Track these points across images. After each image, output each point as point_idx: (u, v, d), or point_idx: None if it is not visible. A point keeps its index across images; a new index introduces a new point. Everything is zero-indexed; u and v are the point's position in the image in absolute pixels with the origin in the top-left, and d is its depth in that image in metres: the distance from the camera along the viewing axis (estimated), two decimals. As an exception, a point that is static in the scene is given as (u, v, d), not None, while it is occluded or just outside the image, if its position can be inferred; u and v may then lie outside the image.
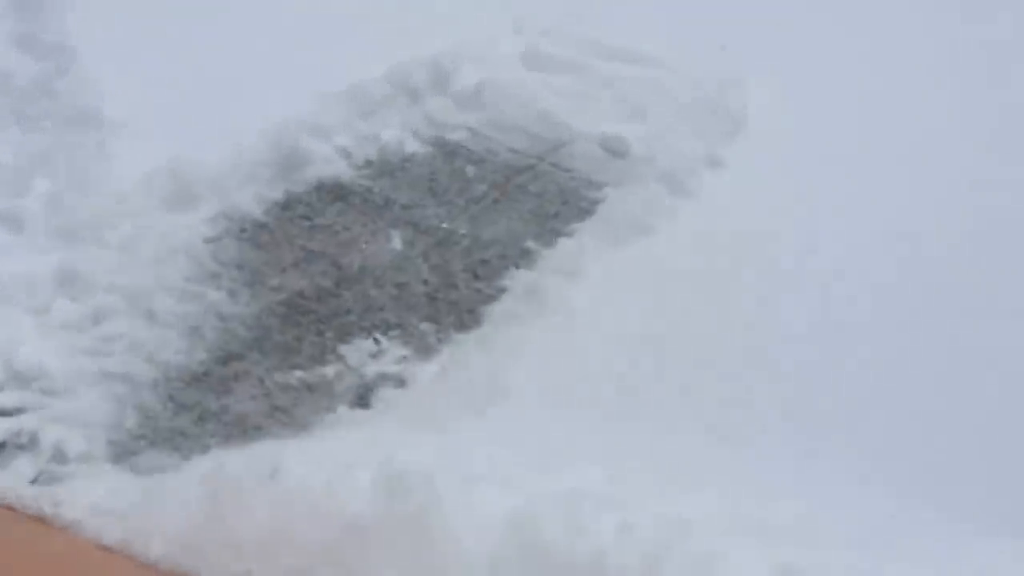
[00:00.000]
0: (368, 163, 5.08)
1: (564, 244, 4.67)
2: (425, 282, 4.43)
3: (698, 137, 5.41)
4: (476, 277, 4.49)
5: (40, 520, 3.20)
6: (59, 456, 3.44)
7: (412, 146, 5.24)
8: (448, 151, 5.27)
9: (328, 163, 4.97)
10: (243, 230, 4.50)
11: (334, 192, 4.86)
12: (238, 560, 2.81)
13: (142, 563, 2.93)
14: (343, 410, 3.84)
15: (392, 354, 4.08)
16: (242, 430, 3.69)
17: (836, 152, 5.28)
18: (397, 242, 4.61)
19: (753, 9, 6.16)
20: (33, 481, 3.36)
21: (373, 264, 4.47)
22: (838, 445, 3.76)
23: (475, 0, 6.15)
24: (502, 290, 4.42)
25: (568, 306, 4.22)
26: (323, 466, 2.97)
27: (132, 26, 5.47)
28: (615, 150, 5.34)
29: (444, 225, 4.77)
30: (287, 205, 4.72)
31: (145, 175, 4.50)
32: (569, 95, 5.74)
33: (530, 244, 4.70)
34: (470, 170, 5.17)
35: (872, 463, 3.69)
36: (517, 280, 4.45)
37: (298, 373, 3.93)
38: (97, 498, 3.20)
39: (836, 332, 4.25)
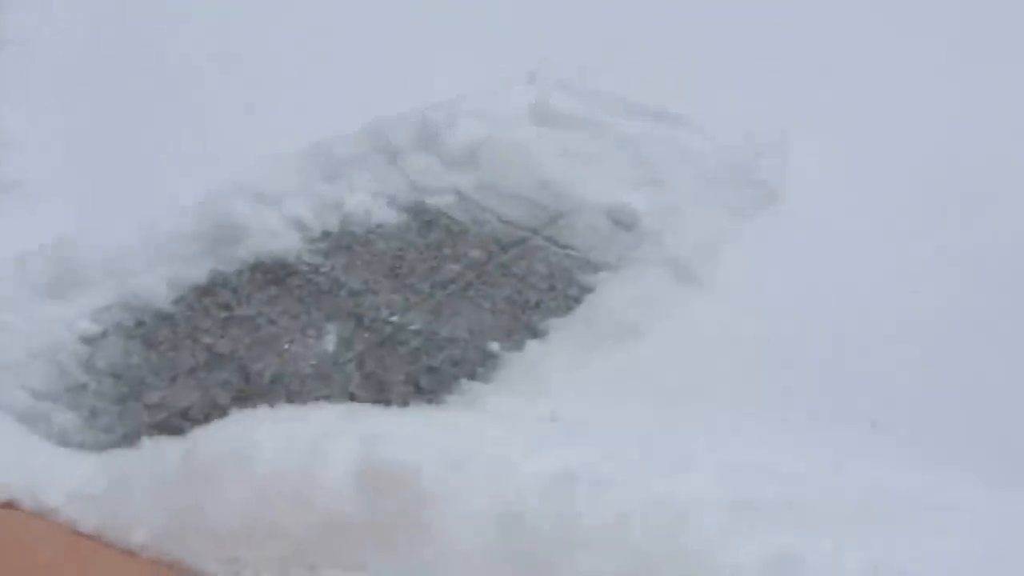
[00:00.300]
0: (325, 235, 4.32)
1: (532, 348, 3.81)
2: (352, 397, 3.60)
3: (721, 210, 4.54)
4: (417, 390, 3.65)
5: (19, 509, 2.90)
6: None
7: (382, 214, 4.45)
8: (426, 221, 4.48)
9: (272, 236, 4.22)
10: (139, 324, 3.72)
11: (272, 273, 4.09)
12: (222, 548, 2.69)
13: (124, 550, 2.75)
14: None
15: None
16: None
17: (888, 233, 4.34)
18: (330, 341, 3.81)
19: (801, 61, 5.23)
20: None
21: (291, 371, 3.66)
22: (832, 420, 3.45)
23: (483, 49, 5.33)
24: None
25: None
26: (297, 448, 2.75)
27: (68, 74, 4.76)
28: (622, 222, 4.51)
29: (394, 318, 3.95)
30: (206, 291, 3.94)
31: (21, 253, 3.72)
32: (579, 156, 4.94)
33: (493, 346, 3.86)
34: (447, 245, 4.35)
35: (868, 436, 3.38)
36: (465, 396, 3.60)
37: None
38: (74, 485, 2.94)
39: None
